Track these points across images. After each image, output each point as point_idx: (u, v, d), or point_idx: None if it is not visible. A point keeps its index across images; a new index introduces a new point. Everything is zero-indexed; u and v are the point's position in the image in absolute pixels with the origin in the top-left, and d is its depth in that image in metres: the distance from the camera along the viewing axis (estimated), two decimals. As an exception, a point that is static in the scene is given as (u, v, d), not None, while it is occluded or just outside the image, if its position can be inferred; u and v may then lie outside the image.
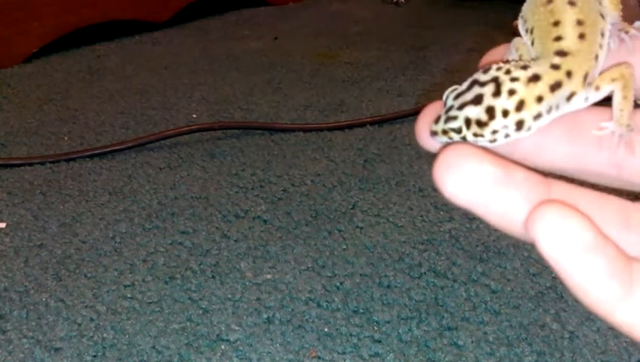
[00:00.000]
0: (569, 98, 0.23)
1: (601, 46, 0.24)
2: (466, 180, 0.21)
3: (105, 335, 0.66)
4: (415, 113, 1.13)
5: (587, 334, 0.65)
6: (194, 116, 1.15)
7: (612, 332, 0.65)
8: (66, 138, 1.07)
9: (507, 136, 0.23)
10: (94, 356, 0.63)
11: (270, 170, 0.96)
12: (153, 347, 0.64)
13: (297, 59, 1.42)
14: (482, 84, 0.23)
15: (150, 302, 0.70)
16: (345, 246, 0.79)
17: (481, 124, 0.23)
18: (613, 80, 0.23)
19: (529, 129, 0.23)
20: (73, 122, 1.12)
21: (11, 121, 1.13)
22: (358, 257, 0.77)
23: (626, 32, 0.24)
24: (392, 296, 0.71)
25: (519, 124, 0.23)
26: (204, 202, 0.88)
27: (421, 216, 0.84)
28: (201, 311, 0.69)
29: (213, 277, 0.74)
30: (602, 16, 0.24)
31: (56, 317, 0.68)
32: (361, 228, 0.82)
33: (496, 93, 0.23)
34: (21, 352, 0.64)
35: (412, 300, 0.70)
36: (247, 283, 0.73)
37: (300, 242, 0.80)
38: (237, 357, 0.63)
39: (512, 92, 0.23)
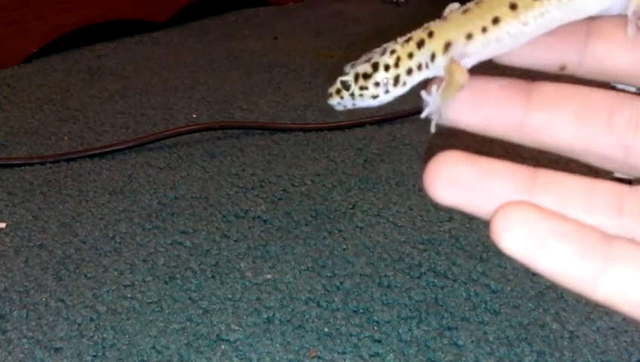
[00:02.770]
0: (432, 58, 0.25)
1: (508, 33, 0.24)
2: (449, 184, 0.22)
3: (105, 335, 0.66)
4: (415, 113, 1.13)
5: (587, 334, 0.65)
6: (194, 116, 1.15)
7: (612, 332, 0.65)
8: (66, 138, 1.07)
9: (387, 92, 0.26)
10: (94, 356, 0.63)
11: (270, 170, 0.96)
12: (153, 347, 0.64)
13: (297, 59, 1.42)
14: (374, 53, 0.27)
15: (150, 302, 0.70)
16: (345, 246, 0.79)
17: (366, 76, 0.26)
18: (448, 71, 0.24)
19: (404, 84, 0.26)
20: (73, 122, 1.12)
21: (11, 121, 1.13)
22: (358, 257, 0.77)
23: None
24: (392, 295, 0.71)
25: (396, 79, 0.26)
26: (204, 202, 0.88)
27: (421, 216, 0.84)
28: (201, 311, 0.69)
29: (213, 277, 0.74)
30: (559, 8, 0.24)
31: (56, 317, 0.68)
32: (361, 228, 0.82)
33: (382, 53, 0.27)
34: (21, 352, 0.64)
35: (412, 300, 0.70)
36: (247, 283, 0.73)
37: (299, 242, 0.80)
38: (237, 357, 0.63)
39: (393, 51, 0.26)
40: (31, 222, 0.84)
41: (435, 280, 0.73)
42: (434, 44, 0.25)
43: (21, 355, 0.63)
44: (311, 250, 0.78)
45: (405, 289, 0.71)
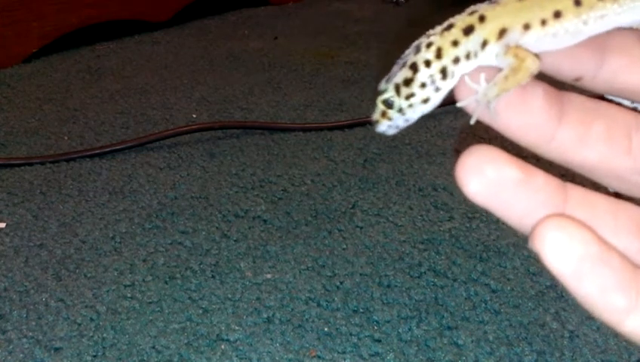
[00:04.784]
0: (483, 46, 0.23)
1: (566, 29, 0.22)
2: (488, 182, 0.21)
3: (105, 335, 0.66)
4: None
5: (587, 333, 0.65)
6: (194, 116, 1.15)
7: (612, 332, 0.65)
8: (66, 138, 1.07)
9: (437, 89, 0.23)
10: (94, 356, 0.63)
11: (270, 170, 0.96)
12: (153, 347, 0.64)
13: (297, 58, 1.42)
14: (405, 56, 0.24)
15: (150, 302, 0.70)
16: (345, 246, 0.79)
17: (408, 82, 0.23)
18: (515, 55, 0.22)
19: (453, 75, 0.23)
20: (73, 122, 1.12)
21: (11, 121, 1.13)
22: (358, 257, 0.77)
23: None
24: (392, 295, 0.71)
25: (443, 72, 0.23)
26: (204, 202, 0.88)
27: (421, 216, 0.84)
28: (201, 311, 0.69)
29: (213, 276, 0.74)
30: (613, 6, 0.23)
31: (56, 317, 0.68)
32: (361, 227, 0.82)
33: (417, 51, 0.24)
34: (21, 352, 0.64)
35: (412, 299, 0.70)
36: (247, 282, 0.73)
37: (299, 242, 0.80)
38: (237, 356, 0.63)
39: (429, 44, 0.23)
40: (31, 222, 0.84)
41: (435, 280, 0.73)
42: (486, 30, 0.23)
43: (21, 355, 0.63)
44: (311, 249, 0.78)
45: (405, 289, 0.71)
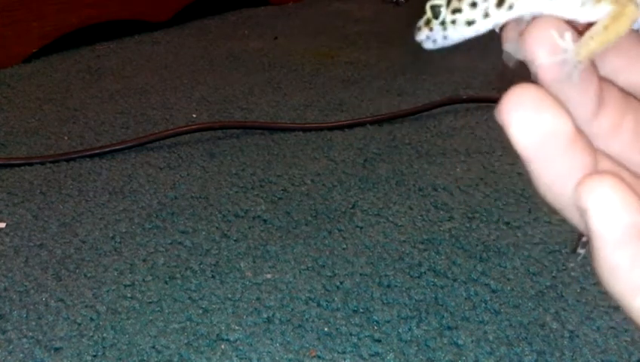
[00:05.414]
0: None
1: None
2: (542, 129, 0.19)
3: (105, 335, 0.66)
4: (415, 113, 1.13)
5: (587, 333, 0.65)
6: (194, 116, 1.15)
7: (612, 332, 0.65)
8: (66, 138, 1.07)
9: (487, 15, 0.21)
10: (94, 356, 0.63)
11: (270, 170, 0.96)
12: (153, 347, 0.64)
13: (297, 58, 1.42)
14: None
15: (150, 302, 0.70)
16: (345, 246, 0.79)
17: None
18: (611, 2, 0.19)
19: (510, 7, 0.20)
20: (73, 122, 1.12)
21: (11, 121, 1.13)
22: (358, 257, 0.77)
23: None
24: (392, 295, 0.71)
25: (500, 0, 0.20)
26: (204, 202, 0.88)
27: (421, 216, 0.84)
28: (201, 311, 0.69)
29: (213, 276, 0.74)
30: None
31: (56, 317, 0.68)
32: (361, 227, 0.82)
33: None
34: (21, 352, 0.64)
35: (412, 299, 0.70)
36: (247, 282, 0.73)
37: (299, 242, 0.80)
38: (237, 356, 0.63)
39: None
40: (31, 222, 0.84)
41: (435, 280, 0.73)
42: None
43: (21, 355, 0.63)
44: (311, 249, 0.78)
45: (405, 289, 0.71)
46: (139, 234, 0.81)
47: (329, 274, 0.74)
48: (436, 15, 0.22)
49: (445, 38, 0.22)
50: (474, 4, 0.21)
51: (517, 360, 0.62)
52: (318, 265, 0.75)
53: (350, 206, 0.87)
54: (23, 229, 0.83)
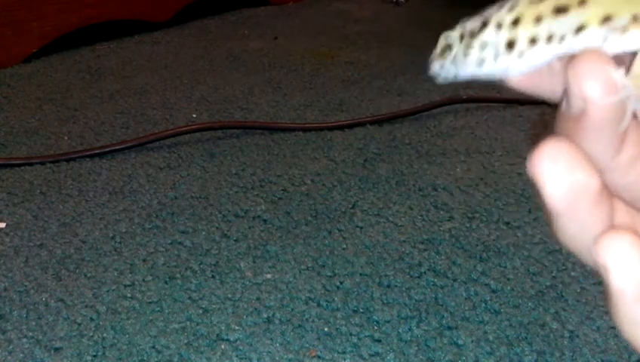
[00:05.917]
0: (578, 30, 0.19)
1: None
2: (572, 186, 0.18)
3: (105, 335, 0.66)
4: (415, 113, 1.13)
5: (587, 333, 0.65)
6: (194, 116, 1.15)
7: (612, 332, 0.65)
8: (66, 138, 1.07)
9: (497, 56, 0.20)
10: (94, 356, 0.63)
11: (270, 170, 0.96)
12: (153, 347, 0.64)
13: (297, 58, 1.42)
14: (499, 5, 0.21)
15: (150, 302, 0.70)
16: (345, 246, 0.79)
17: (473, 34, 0.20)
18: None
19: (521, 55, 0.20)
20: (73, 122, 1.12)
21: (11, 121, 1.13)
22: (358, 257, 0.77)
23: None
24: (392, 295, 0.71)
25: (511, 44, 0.20)
26: (204, 202, 0.88)
27: (421, 216, 0.84)
28: (201, 311, 0.69)
29: (213, 276, 0.74)
30: None
31: (56, 317, 0.68)
32: (361, 227, 0.82)
33: (500, 8, 0.20)
34: (21, 352, 0.64)
35: (412, 299, 0.70)
36: (247, 282, 0.73)
37: (299, 241, 0.80)
38: (237, 356, 0.63)
39: (513, 7, 0.20)
40: (31, 222, 0.84)
41: (435, 280, 0.73)
42: (586, 14, 0.19)
43: (21, 355, 0.63)
44: (311, 249, 0.78)
45: (405, 289, 0.71)
46: (139, 234, 0.81)
47: (329, 274, 0.74)
48: (450, 48, 0.21)
49: (456, 72, 0.22)
50: (484, 46, 0.20)
51: (517, 360, 0.62)
52: (318, 265, 0.75)
53: (350, 206, 0.87)
54: (23, 229, 0.83)
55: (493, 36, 0.20)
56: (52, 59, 1.41)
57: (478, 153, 1.00)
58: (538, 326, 0.66)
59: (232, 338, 0.65)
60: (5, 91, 1.26)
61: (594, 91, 0.18)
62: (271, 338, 0.65)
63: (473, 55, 0.21)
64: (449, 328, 0.66)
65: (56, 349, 0.64)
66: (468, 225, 0.82)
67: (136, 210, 0.86)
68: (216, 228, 0.82)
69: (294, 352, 0.63)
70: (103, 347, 0.64)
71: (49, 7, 1.41)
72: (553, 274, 0.73)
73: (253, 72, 1.34)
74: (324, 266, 0.75)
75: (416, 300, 0.70)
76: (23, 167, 0.97)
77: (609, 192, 0.20)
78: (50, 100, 1.21)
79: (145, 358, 0.63)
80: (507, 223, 0.82)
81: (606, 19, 0.19)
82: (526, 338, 0.65)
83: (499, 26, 0.20)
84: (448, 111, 1.12)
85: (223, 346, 0.64)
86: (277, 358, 0.63)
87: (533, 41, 0.20)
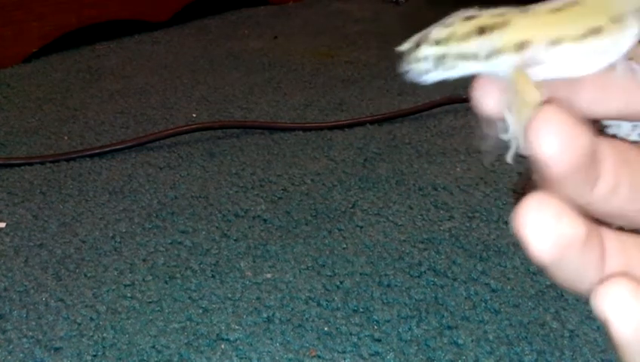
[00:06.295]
0: (497, 53, 0.20)
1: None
2: (557, 241, 0.19)
3: (105, 334, 0.66)
4: (415, 112, 1.13)
5: (587, 333, 0.65)
6: (194, 115, 1.15)
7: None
8: (66, 138, 1.07)
9: (432, 70, 0.21)
10: (94, 355, 0.63)
11: (270, 170, 0.96)
12: (153, 346, 0.64)
13: (297, 58, 1.41)
14: (453, 16, 0.22)
15: (150, 302, 0.70)
16: (345, 246, 0.79)
17: (417, 46, 0.22)
18: (512, 78, 0.20)
19: (452, 68, 0.21)
20: (73, 122, 1.12)
21: (11, 121, 1.13)
22: (358, 256, 0.77)
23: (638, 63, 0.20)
24: (392, 295, 0.71)
25: (442, 58, 0.21)
26: (204, 201, 0.88)
27: (421, 215, 0.84)
28: (201, 311, 0.69)
29: (213, 276, 0.74)
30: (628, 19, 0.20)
31: (56, 317, 0.68)
32: (361, 227, 0.82)
33: (440, 24, 0.22)
34: (21, 352, 0.64)
35: (412, 299, 0.70)
36: (247, 282, 0.73)
37: (299, 241, 0.80)
38: (237, 356, 0.63)
39: (449, 24, 0.21)
40: (31, 222, 0.84)
41: (435, 279, 0.73)
42: (504, 39, 0.20)
43: (21, 355, 0.64)
44: (311, 249, 0.78)
45: (405, 289, 0.71)
46: (139, 234, 0.81)
47: (329, 273, 0.74)
48: (407, 55, 0.22)
49: (412, 78, 0.23)
50: (423, 59, 0.22)
51: (517, 360, 0.62)
52: (318, 265, 0.75)
53: (350, 205, 0.87)
54: (23, 229, 0.83)
55: (429, 51, 0.21)
56: (52, 59, 1.41)
57: (478, 153, 1.00)
58: (538, 325, 0.66)
59: (232, 338, 0.65)
60: (5, 91, 1.26)
61: (549, 150, 0.18)
62: (271, 338, 0.65)
63: (416, 67, 0.22)
64: (449, 327, 0.66)
65: (56, 349, 0.64)
66: (468, 224, 0.82)
67: (136, 210, 0.86)
68: (216, 227, 0.82)
69: (294, 352, 0.63)
70: (103, 347, 0.64)
71: (49, 7, 1.41)
72: (553, 274, 0.73)
73: (253, 72, 1.34)
74: (324, 266, 0.75)
75: (416, 300, 0.70)
76: (23, 167, 0.97)
77: (597, 232, 0.20)
78: (50, 100, 1.21)
79: (145, 358, 0.63)
80: (507, 223, 0.82)
81: (522, 45, 0.20)
82: (526, 337, 0.65)
83: (434, 42, 0.21)
84: (448, 111, 1.12)
85: (223, 346, 0.64)
86: (277, 358, 0.63)
87: (460, 57, 0.21)
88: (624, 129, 0.22)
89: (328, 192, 0.90)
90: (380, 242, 0.79)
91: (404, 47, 0.22)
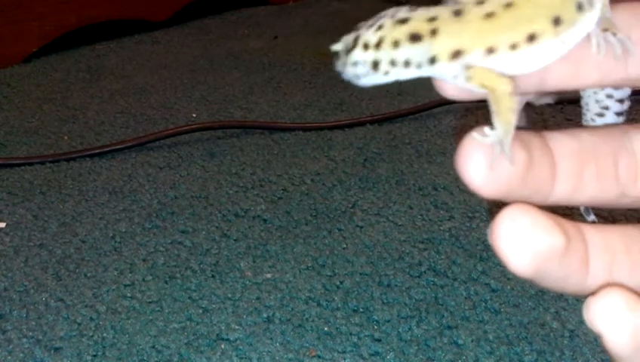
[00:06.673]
0: (432, 61, 0.20)
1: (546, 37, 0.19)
2: (535, 254, 0.18)
3: (105, 334, 0.66)
4: (415, 112, 1.13)
5: (587, 333, 0.65)
6: (194, 115, 1.15)
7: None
8: (66, 138, 1.07)
9: (367, 75, 0.21)
10: (94, 356, 0.63)
11: (270, 170, 0.96)
12: (153, 346, 0.64)
13: (297, 58, 1.41)
14: (377, 18, 0.21)
15: (150, 302, 0.70)
16: (345, 246, 0.79)
17: (347, 51, 0.22)
18: (483, 85, 0.20)
19: (386, 73, 0.21)
20: (73, 122, 1.12)
21: (11, 121, 1.13)
22: (358, 256, 0.77)
23: (614, 34, 0.20)
24: (392, 295, 0.71)
25: (375, 64, 0.21)
26: (204, 201, 0.88)
27: (421, 215, 0.84)
28: (201, 311, 0.69)
29: (213, 276, 0.74)
30: (582, 7, 0.20)
31: (56, 317, 0.68)
32: (361, 227, 0.82)
33: (369, 27, 0.21)
34: (21, 352, 0.64)
35: (412, 299, 0.70)
36: (247, 282, 0.73)
37: (299, 241, 0.80)
38: (237, 356, 0.63)
39: (380, 27, 0.21)
40: (31, 222, 0.84)
41: (435, 279, 0.73)
42: (437, 47, 0.20)
43: (21, 355, 0.64)
44: (311, 249, 0.78)
45: (405, 289, 0.71)
46: (139, 234, 0.81)
47: (329, 273, 0.74)
48: (338, 57, 0.22)
49: (348, 78, 0.23)
50: (355, 63, 0.21)
51: (517, 360, 0.62)
52: (318, 265, 0.75)
53: (350, 205, 0.87)
54: (23, 229, 0.83)
55: (361, 55, 0.21)
56: (52, 59, 1.41)
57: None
58: (538, 325, 0.66)
59: (232, 338, 0.65)
60: (5, 91, 1.26)
61: (473, 176, 0.19)
62: (271, 338, 0.65)
63: (350, 70, 0.22)
64: (449, 327, 0.66)
65: (56, 349, 0.64)
66: (468, 224, 0.82)
67: (136, 210, 0.86)
68: (216, 227, 0.82)
69: (294, 352, 0.63)
70: (103, 347, 0.64)
71: (49, 7, 1.41)
72: (553, 274, 0.73)
73: (253, 72, 1.34)
74: (324, 266, 0.75)
75: (416, 300, 0.70)
76: (23, 167, 0.97)
77: (579, 233, 0.19)
78: (50, 100, 1.21)
79: (145, 358, 0.63)
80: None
81: (456, 54, 0.20)
82: (526, 337, 0.65)
83: (365, 46, 0.21)
84: (448, 111, 1.12)
85: (223, 346, 0.64)
86: (277, 358, 0.63)
87: (393, 63, 0.21)
88: (588, 115, 0.22)
89: (328, 192, 0.90)
90: (379, 242, 0.79)
91: (337, 47, 0.22)
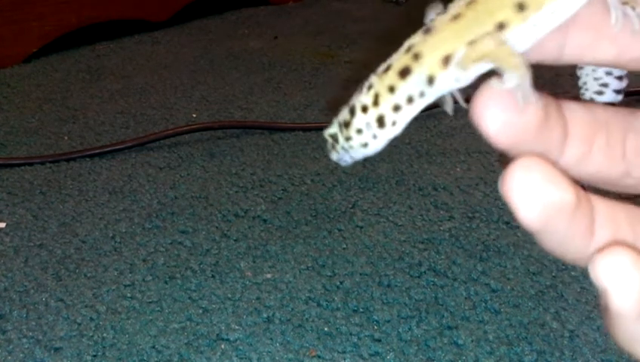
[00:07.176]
0: (430, 82, 0.20)
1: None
2: (546, 207, 0.18)
3: (105, 335, 0.66)
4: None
5: (587, 333, 0.65)
6: (194, 116, 1.15)
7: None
8: (66, 138, 1.07)
9: (375, 136, 0.22)
10: (94, 356, 0.63)
11: (270, 170, 0.96)
12: (153, 346, 0.64)
13: (297, 58, 1.41)
14: (361, 86, 0.22)
15: (150, 302, 0.70)
16: (345, 246, 0.79)
17: (347, 124, 0.22)
18: (477, 58, 0.20)
19: (394, 124, 0.21)
20: (73, 122, 1.12)
21: (11, 121, 1.13)
22: (358, 256, 0.77)
23: (633, 8, 0.20)
24: (392, 295, 0.71)
25: (380, 120, 0.21)
26: (204, 201, 0.88)
27: (421, 215, 0.84)
28: (201, 311, 0.69)
29: (213, 276, 0.74)
30: None
31: (56, 317, 0.68)
32: (361, 227, 0.82)
33: (359, 92, 0.22)
34: (21, 352, 0.64)
35: (412, 299, 0.70)
36: (247, 282, 0.73)
37: (299, 241, 0.80)
38: (237, 356, 0.63)
39: (370, 86, 0.21)
40: (31, 222, 0.84)
41: (435, 280, 0.73)
42: (427, 66, 0.20)
43: (21, 355, 0.64)
44: (311, 249, 0.78)
45: (405, 289, 0.71)
46: (139, 234, 0.81)
47: (329, 274, 0.74)
48: (337, 141, 0.23)
49: (352, 157, 0.23)
50: (359, 131, 0.22)
51: (517, 360, 0.62)
52: (318, 265, 0.75)
53: (350, 206, 0.87)
54: (23, 229, 0.83)
55: (363, 120, 0.21)
56: (52, 59, 1.41)
57: (478, 153, 1.00)
58: (538, 325, 0.66)
59: (232, 338, 0.65)
60: (5, 91, 1.26)
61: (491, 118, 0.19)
62: (271, 338, 0.65)
63: (355, 141, 0.22)
64: (449, 328, 0.66)
65: (56, 349, 0.64)
66: (468, 224, 0.82)
67: (136, 210, 0.86)
68: (216, 228, 0.82)
69: (294, 352, 0.63)
70: (103, 347, 0.64)
71: (49, 7, 1.41)
72: (553, 274, 0.73)
73: (253, 72, 1.34)
74: (324, 266, 0.75)
75: (416, 300, 0.70)
76: (23, 167, 0.97)
77: (587, 198, 0.19)
78: (50, 100, 1.21)
79: (145, 358, 0.63)
80: (507, 223, 0.82)
81: (445, 60, 0.20)
82: (526, 337, 0.65)
83: (364, 109, 0.21)
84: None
85: (223, 346, 0.64)
86: (277, 358, 0.63)
87: (396, 108, 0.21)
88: (589, 93, 0.22)
89: (328, 192, 0.90)
90: (380, 242, 0.79)
91: (331, 130, 0.23)
